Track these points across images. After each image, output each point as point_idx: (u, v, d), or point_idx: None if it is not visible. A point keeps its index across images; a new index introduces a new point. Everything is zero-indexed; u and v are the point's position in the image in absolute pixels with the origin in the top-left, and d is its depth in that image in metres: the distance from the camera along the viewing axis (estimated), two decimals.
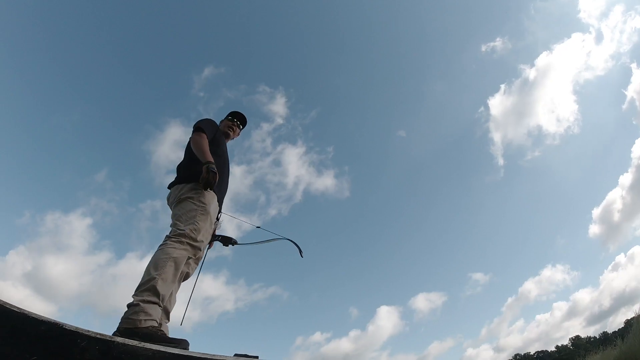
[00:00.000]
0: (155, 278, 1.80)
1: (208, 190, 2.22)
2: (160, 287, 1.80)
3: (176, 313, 2.18)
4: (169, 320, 2.11)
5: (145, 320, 1.69)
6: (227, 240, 2.63)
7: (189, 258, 2.09)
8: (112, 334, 1.68)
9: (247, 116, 2.92)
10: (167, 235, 2.10)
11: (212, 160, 2.21)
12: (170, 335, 1.92)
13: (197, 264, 2.33)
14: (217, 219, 2.54)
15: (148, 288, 1.78)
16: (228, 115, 2.91)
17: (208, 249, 2.50)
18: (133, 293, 1.81)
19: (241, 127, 2.95)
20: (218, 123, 2.86)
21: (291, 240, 2.81)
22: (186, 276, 2.30)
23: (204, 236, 2.17)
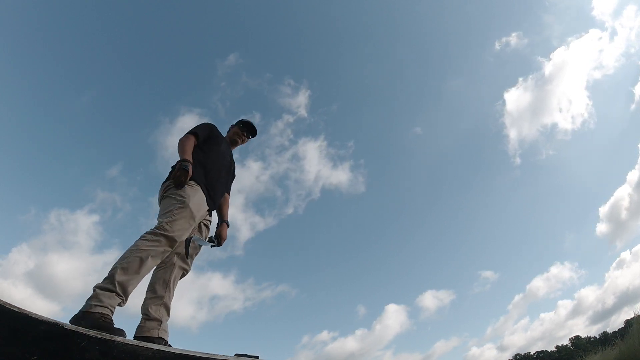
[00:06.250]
0: (116, 267, 1.88)
1: (191, 185, 2.20)
2: (119, 276, 1.85)
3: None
4: (169, 316, 2.16)
5: (95, 305, 1.75)
6: (212, 241, 2.53)
7: (174, 254, 2.19)
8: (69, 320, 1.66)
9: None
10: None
11: (188, 159, 2.22)
12: (173, 338, 2.05)
13: (188, 261, 2.33)
14: (209, 222, 2.50)
15: (108, 276, 1.86)
16: (240, 123, 2.93)
17: (196, 254, 2.41)
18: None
19: (250, 137, 2.99)
20: (229, 127, 2.95)
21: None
22: (183, 274, 2.33)
23: (181, 228, 2.09)
